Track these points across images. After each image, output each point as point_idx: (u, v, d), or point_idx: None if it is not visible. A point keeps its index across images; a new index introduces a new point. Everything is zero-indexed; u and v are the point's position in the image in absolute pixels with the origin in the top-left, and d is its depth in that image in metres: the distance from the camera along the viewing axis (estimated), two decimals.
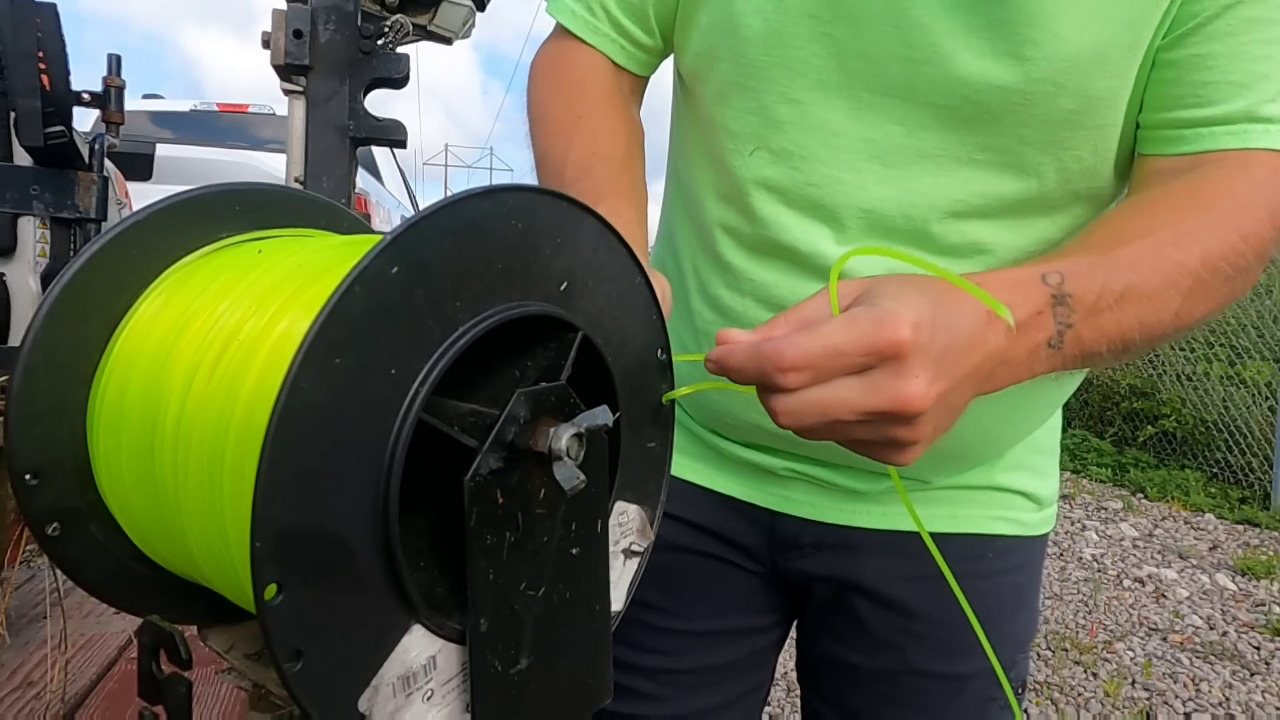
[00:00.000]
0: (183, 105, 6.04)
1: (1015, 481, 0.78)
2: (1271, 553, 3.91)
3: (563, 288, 0.41)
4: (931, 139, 0.63)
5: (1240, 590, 3.46)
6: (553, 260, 0.40)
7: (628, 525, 0.49)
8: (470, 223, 0.36)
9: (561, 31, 0.79)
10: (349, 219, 0.49)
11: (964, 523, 0.76)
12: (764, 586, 0.83)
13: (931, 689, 0.78)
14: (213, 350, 0.37)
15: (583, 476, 0.38)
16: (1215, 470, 5.03)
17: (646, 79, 0.83)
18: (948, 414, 0.46)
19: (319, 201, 0.48)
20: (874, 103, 0.64)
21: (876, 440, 0.45)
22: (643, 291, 0.47)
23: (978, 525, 0.77)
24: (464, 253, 0.36)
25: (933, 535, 0.75)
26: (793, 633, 0.91)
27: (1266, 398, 4.86)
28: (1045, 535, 0.82)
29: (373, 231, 0.48)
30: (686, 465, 0.81)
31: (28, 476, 0.40)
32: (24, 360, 0.39)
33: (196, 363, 0.37)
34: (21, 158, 1.47)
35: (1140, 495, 4.91)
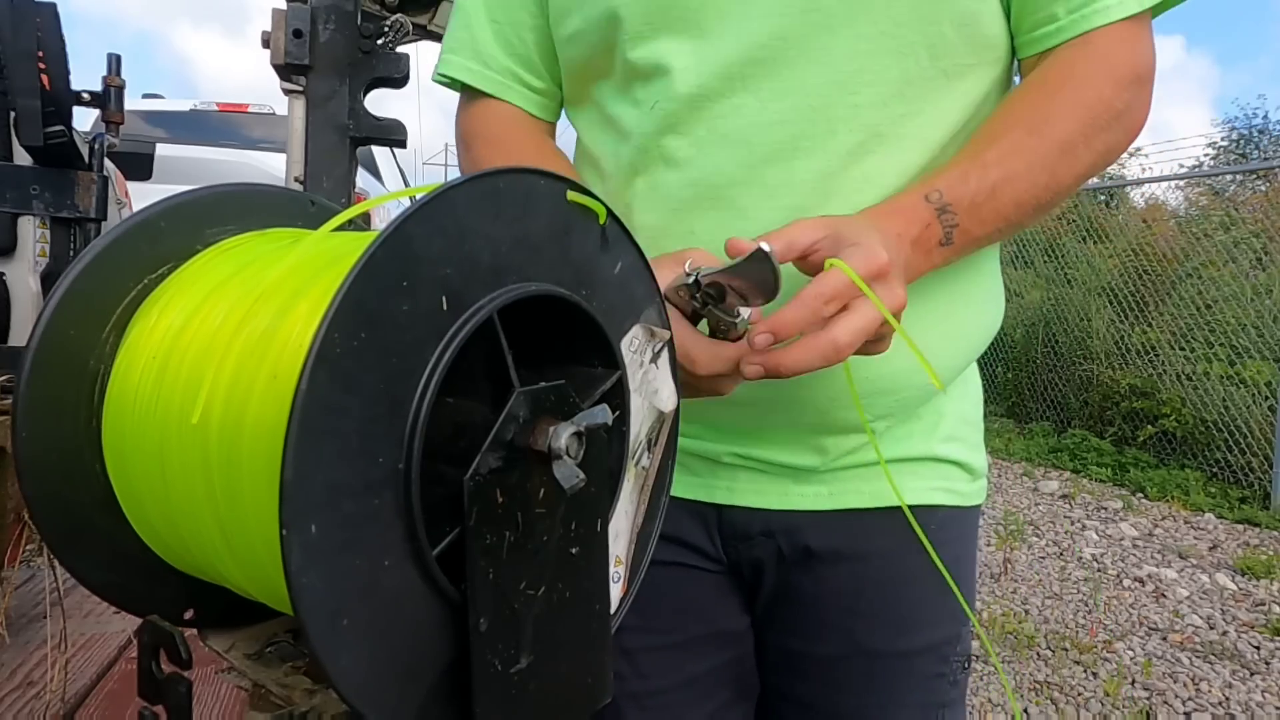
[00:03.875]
0: (182, 105, 6.05)
1: (952, 452, 0.80)
2: (1271, 552, 3.91)
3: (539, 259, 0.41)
4: (811, 43, 0.67)
5: (1240, 590, 3.47)
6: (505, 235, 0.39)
7: (640, 342, 0.48)
8: (407, 239, 0.34)
9: (465, 92, 0.84)
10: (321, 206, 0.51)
11: (908, 494, 0.77)
12: (728, 586, 0.83)
13: (881, 670, 0.79)
14: (220, 350, 0.37)
15: (582, 475, 0.38)
16: (1215, 470, 5.03)
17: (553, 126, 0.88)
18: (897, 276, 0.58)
19: (302, 197, 0.50)
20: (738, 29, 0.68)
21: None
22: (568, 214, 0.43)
23: (921, 496, 0.78)
24: (410, 269, 0.35)
25: (880, 510, 0.78)
26: None
27: (1266, 398, 4.86)
28: (978, 507, 0.85)
29: (338, 209, 0.48)
30: None
31: (34, 477, 0.40)
32: (31, 359, 0.39)
33: (204, 364, 0.37)
34: (21, 158, 1.47)
35: (1140, 495, 4.91)
